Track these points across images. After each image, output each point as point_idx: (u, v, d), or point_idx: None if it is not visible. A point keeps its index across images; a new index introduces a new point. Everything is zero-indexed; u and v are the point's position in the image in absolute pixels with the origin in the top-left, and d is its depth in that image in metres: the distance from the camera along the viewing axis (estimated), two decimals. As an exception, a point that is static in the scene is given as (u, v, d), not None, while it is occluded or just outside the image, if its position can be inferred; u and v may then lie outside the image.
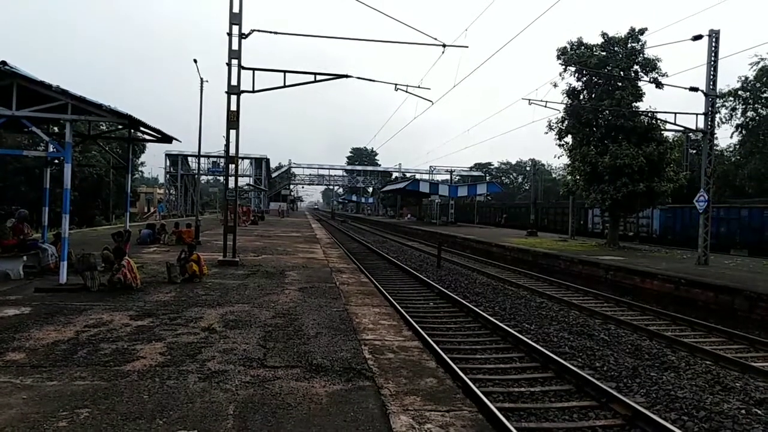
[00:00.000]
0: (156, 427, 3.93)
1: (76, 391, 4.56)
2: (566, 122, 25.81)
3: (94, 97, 9.79)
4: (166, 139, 12.61)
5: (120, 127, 13.47)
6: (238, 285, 10.68)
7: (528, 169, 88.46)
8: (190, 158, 73.21)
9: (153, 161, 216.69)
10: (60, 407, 4.21)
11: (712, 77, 19.00)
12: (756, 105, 40.33)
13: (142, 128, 11.66)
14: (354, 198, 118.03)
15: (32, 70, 10.14)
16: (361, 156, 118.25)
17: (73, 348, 5.86)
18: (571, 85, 25.76)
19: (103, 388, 4.67)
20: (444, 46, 15.36)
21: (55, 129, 13.70)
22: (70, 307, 7.96)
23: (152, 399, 4.45)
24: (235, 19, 13.67)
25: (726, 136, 67.36)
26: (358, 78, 16.00)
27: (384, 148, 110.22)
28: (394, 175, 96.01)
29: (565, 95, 25.83)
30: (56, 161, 13.96)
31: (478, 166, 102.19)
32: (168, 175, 75.19)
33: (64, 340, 6.16)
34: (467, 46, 16.16)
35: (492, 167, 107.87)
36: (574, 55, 24.95)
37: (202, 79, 26.47)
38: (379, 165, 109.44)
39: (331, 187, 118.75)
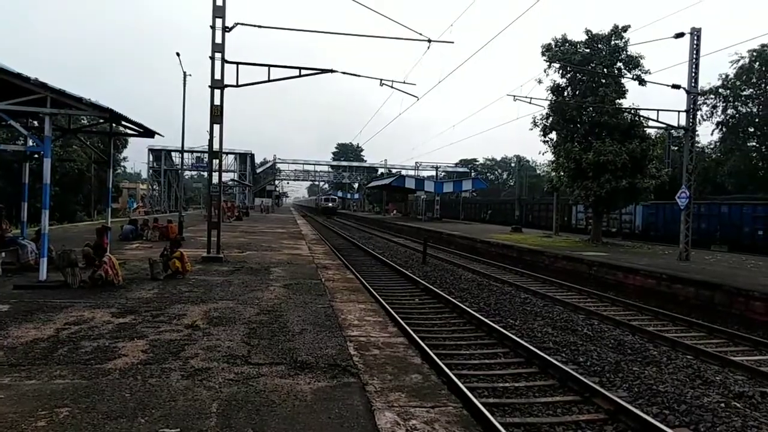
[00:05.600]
0: (138, 425, 3.87)
1: (55, 390, 4.48)
2: (551, 119, 25.96)
3: (75, 92, 9.61)
4: (148, 133, 12.41)
5: (101, 121, 13.23)
6: (222, 281, 10.59)
7: (513, 165, 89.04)
8: (173, 153, 72.31)
9: (136, 156, 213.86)
10: (39, 406, 4.13)
11: (693, 75, 19.22)
12: (736, 103, 41.00)
13: (123, 122, 11.47)
14: (340, 194, 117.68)
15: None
16: (347, 152, 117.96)
17: (53, 346, 5.77)
18: (555, 81, 25.94)
19: (83, 386, 4.60)
20: (429, 41, 15.34)
21: (35, 123, 13.43)
22: (50, 305, 7.83)
23: (134, 397, 4.39)
24: (219, 12, 13.54)
25: (707, 134, 68.39)
26: (343, 73, 15.97)
27: (370, 144, 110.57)
28: (380, 171, 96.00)
29: (549, 92, 25.98)
30: (35, 156, 13.70)
31: (463, 163, 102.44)
32: (151, 171, 74.29)
33: (44, 338, 6.06)
34: (452, 42, 16.17)
35: (477, 163, 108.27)
36: (558, 52, 25.07)
37: (185, 72, 26.19)
38: (365, 161, 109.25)
39: (316, 182, 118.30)
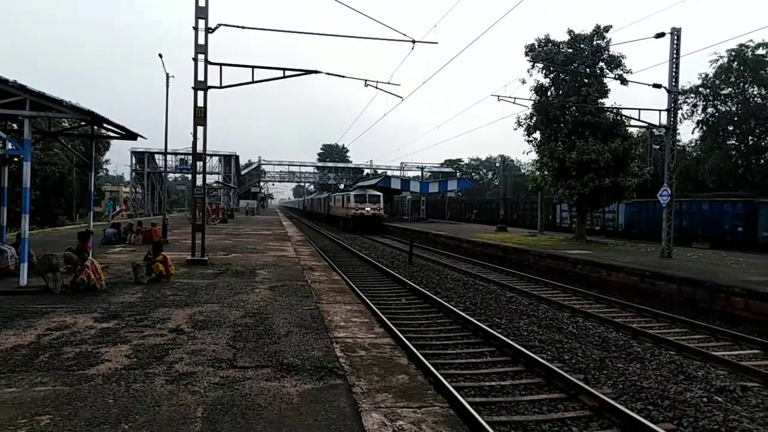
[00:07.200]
0: (121, 432, 3.83)
1: (36, 398, 4.41)
2: (534, 118, 26.15)
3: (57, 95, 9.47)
4: (130, 135, 12.27)
5: (82, 123, 13.06)
6: (207, 284, 10.51)
7: (497, 165, 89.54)
8: (156, 156, 71.47)
9: (119, 159, 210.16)
10: (19, 414, 4.06)
11: (674, 74, 19.48)
12: (716, 102, 41.66)
13: (105, 125, 11.33)
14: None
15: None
16: (332, 153, 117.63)
17: (33, 353, 5.67)
18: (538, 81, 26.13)
19: (65, 393, 4.53)
20: (413, 42, 15.36)
21: (14, 126, 13.20)
22: (30, 310, 7.70)
23: (117, 403, 4.34)
24: (201, 12, 13.43)
25: (688, 132, 69.47)
26: (328, 74, 15.91)
27: (355, 145, 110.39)
28: (366, 171, 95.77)
29: (533, 92, 26.18)
30: (15, 159, 13.47)
31: (448, 163, 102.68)
32: (134, 173, 73.39)
33: (25, 345, 5.96)
34: (436, 42, 16.21)
35: (462, 163, 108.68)
36: (541, 52, 25.26)
37: (167, 74, 25.91)
38: (350, 162, 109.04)
39: (302, 184, 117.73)
